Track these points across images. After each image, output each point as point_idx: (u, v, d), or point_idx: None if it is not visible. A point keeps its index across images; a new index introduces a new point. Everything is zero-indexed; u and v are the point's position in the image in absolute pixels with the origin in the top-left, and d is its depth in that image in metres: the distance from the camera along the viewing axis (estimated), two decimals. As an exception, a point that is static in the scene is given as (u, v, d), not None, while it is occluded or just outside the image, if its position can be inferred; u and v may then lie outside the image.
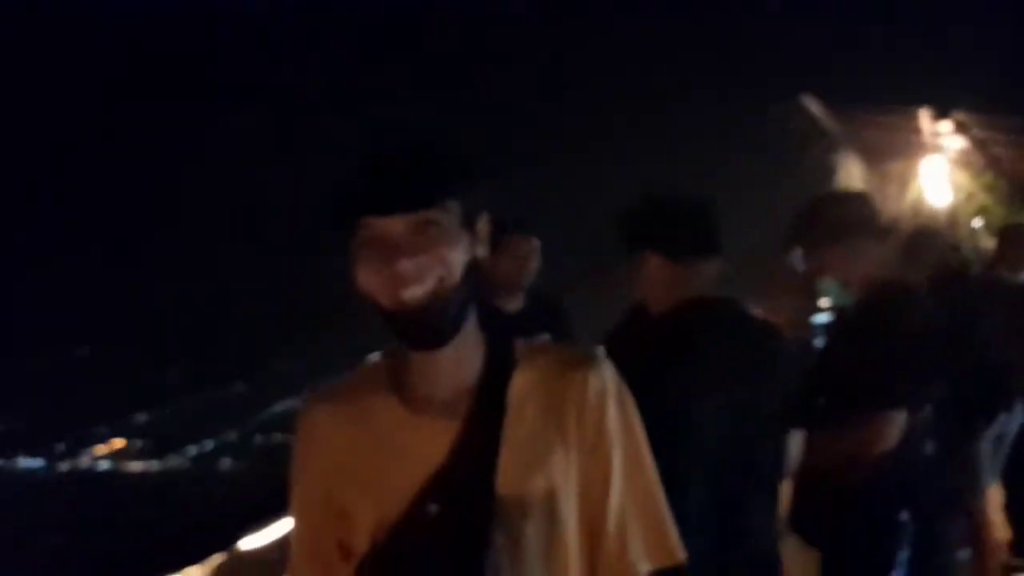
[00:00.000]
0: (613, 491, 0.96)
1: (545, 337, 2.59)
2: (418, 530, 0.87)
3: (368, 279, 0.87)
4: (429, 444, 0.90)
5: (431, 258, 0.86)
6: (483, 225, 0.94)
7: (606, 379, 0.97)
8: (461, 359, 0.93)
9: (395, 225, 0.85)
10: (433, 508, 0.87)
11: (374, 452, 0.93)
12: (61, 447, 48.51)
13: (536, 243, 2.59)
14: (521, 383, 0.94)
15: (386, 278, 0.85)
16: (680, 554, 1.01)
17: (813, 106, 7.05)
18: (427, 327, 0.87)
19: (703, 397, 1.46)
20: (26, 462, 48.51)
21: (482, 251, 0.94)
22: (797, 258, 2.10)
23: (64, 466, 47.93)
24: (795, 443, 1.75)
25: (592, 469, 0.95)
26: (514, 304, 2.60)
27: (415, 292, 0.85)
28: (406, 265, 0.84)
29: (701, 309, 1.53)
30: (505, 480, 0.89)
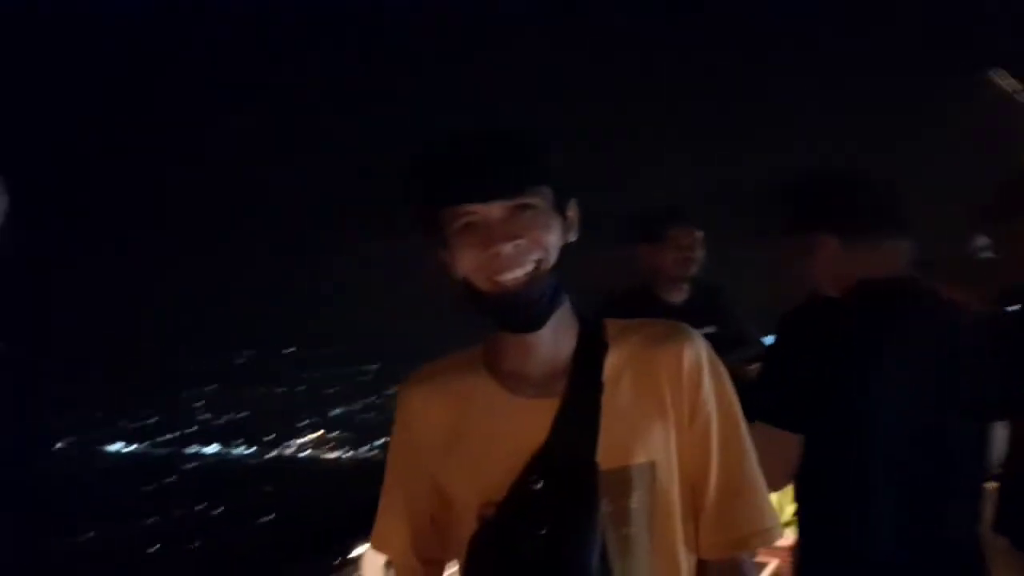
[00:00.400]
0: (713, 464, 0.96)
1: (709, 328, 2.54)
2: (524, 506, 0.88)
3: (467, 263, 0.88)
4: (528, 423, 0.91)
5: (529, 242, 0.87)
6: (573, 211, 0.95)
7: (699, 351, 0.96)
8: (556, 339, 0.94)
9: (494, 210, 0.86)
10: (538, 484, 0.88)
11: (474, 432, 0.95)
12: (270, 437, 53.87)
13: (699, 234, 2.53)
14: (615, 359, 0.95)
15: (486, 262, 0.87)
16: (780, 531, 0.99)
17: (1005, 80, 6.26)
18: (525, 309, 0.88)
19: (887, 386, 1.35)
20: (241, 451, 54.33)
21: (573, 236, 0.95)
22: (984, 238, 1.89)
23: (272, 454, 53.17)
24: (1001, 436, 1.58)
25: (691, 441, 0.95)
26: (678, 296, 2.57)
27: (515, 275, 0.87)
28: (506, 248, 0.86)
29: (881, 290, 1.42)
30: (606, 454, 0.90)
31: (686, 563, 0.96)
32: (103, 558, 35.72)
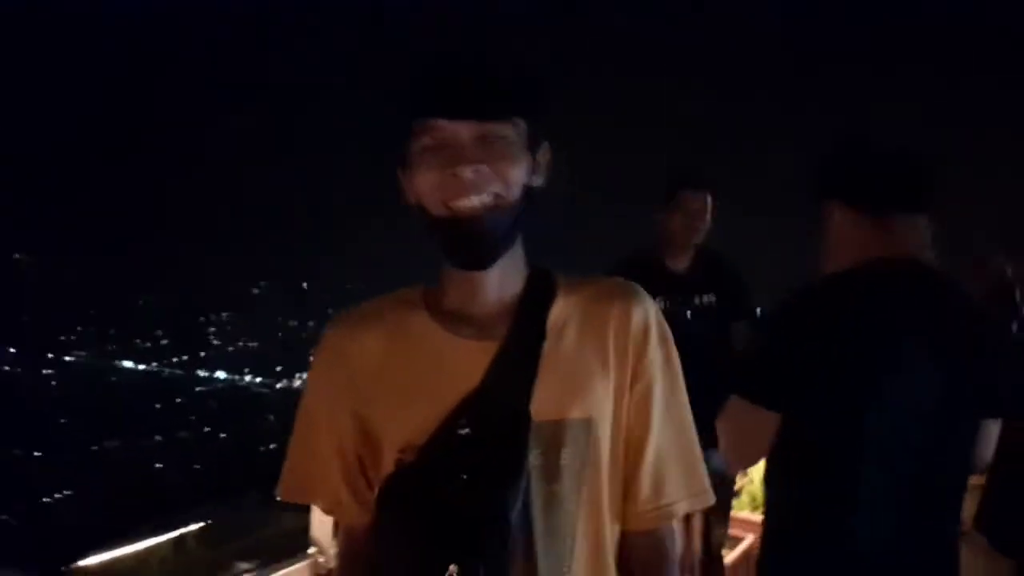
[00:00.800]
0: (654, 426, 0.92)
1: (710, 297, 2.48)
2: (448, 451, 0.83)
3: (425, 183, 0.83)
4: (464, 364, 0.86)
5: (492, 171, 0.82)
6: (544, 154, 0.90)
7: (648, 312, 0.92)
8: (503, 282, 0.89)
9: (462, 131, 0.82)
10: (465, 429, 0.83)
11: (406, 369, 0.89)
12: (279, 368, 54.96)
13: (709, 199, 2.45)
14: (561, 309, 0.90)
15: (443, 184, 0.82)
16: (711, 498, 0.96)
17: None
18: (476, 242, 0.83)
19: (882, 372, 1.28)
20: (250, 379, 55.47)
21: (539, 180, 0.89)
22: None
23: (280, 384, 54.34)
24: (990, 433, 1.51)
25: (632, 401, 0.91)
26: (681, 263, 2.50)
27: (471, 201, 0.81)
28: (466, 171, 0.81)
29: (886, 269, 1.34)
30: (541, 405, 0.85)
31: (610, 531, 0.91)
32: (111, 468, 36.86)
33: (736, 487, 2.95)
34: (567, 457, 0.86)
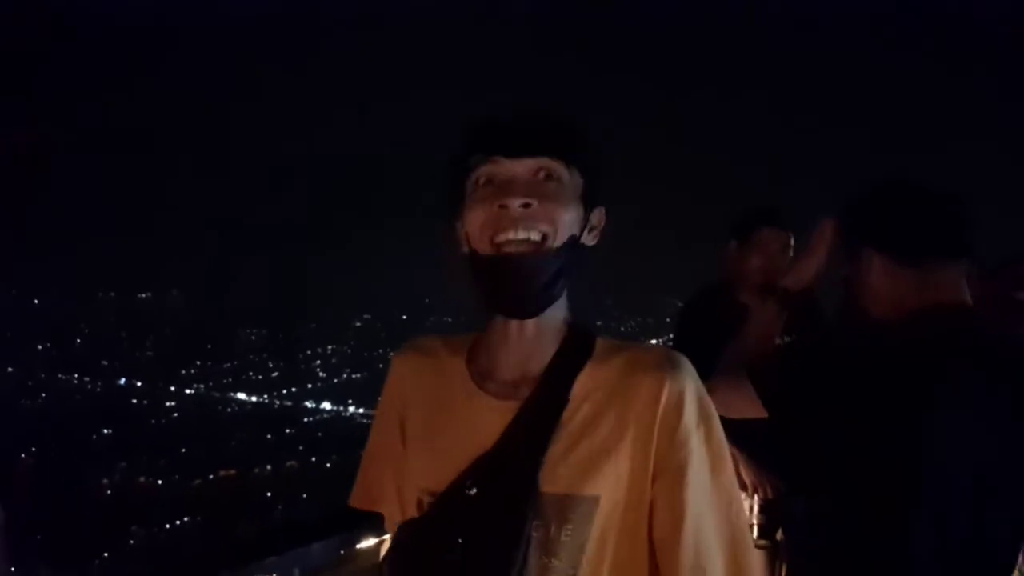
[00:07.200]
0: (688, 513, 0.84)
1: (786, 337, 2.42)
2: (455, 508, 0.83)
3: (475, 219, 0.84)
4: (485, 423, 0.86)
5: (541, 208, 0.82)
6: (598, 216, 0.90)
7: (685, 386, 0.85)
8: (539, 340, 0.88)
9: (517, 167, 0.83)
10: (472, 490, 0.83)
11: (436, 415, 0.92)
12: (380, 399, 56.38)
13: (790, 239, 2.39)
14: (590, 376, 0.87)
15: (492, 218, 0.82)
16: None
17: None
18: (520, 283, 0.83)
19: (936, 432, 1.14)
20: (355, 410, 57.11)
21: (591, 240, 0.89)
22: None
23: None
24: None
25: (660, 486, 0.84)
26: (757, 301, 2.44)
27: (518, 236, 0.81)
28: (515, 204, 0.81)
29: (934, 320, 1.21)
30: (551, 476, 0.83)
31: None
32: (225, 497, 38.69)
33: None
34: (568, 533, 0.82)
